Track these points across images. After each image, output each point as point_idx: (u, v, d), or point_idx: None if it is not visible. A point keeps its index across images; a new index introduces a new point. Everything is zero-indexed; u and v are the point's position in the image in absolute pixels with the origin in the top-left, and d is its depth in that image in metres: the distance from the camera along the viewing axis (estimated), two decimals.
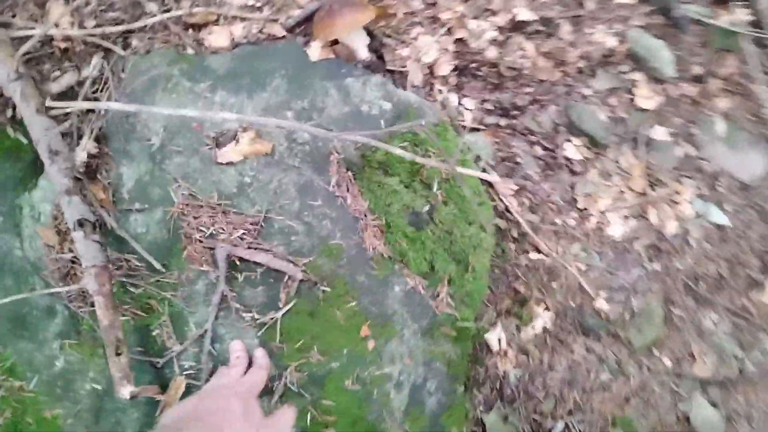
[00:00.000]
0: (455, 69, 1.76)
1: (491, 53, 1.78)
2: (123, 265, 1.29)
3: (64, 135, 1.32)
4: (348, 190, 1.38)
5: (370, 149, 1.40)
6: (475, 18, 1.81)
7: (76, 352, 1.23)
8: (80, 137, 1.35)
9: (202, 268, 1.30)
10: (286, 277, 1.29)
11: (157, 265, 1.27)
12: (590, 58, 1.88)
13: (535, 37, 1.85)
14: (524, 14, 1.83)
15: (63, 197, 1.18)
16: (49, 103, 1.24)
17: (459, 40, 1.76)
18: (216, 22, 1.55)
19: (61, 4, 1.44)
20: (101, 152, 1.35)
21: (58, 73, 1.39)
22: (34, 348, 1.23)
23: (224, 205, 1.33)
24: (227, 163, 1.35)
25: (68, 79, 1.39)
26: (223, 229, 1.32)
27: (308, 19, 1.62)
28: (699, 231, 1.75)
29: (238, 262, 1.30)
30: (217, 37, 1.52)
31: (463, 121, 1.72)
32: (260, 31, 1.55)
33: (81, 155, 1.28)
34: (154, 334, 1.27)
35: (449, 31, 1.76)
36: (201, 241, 1.30)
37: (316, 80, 1.47)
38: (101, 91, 1.40)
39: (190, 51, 1.48)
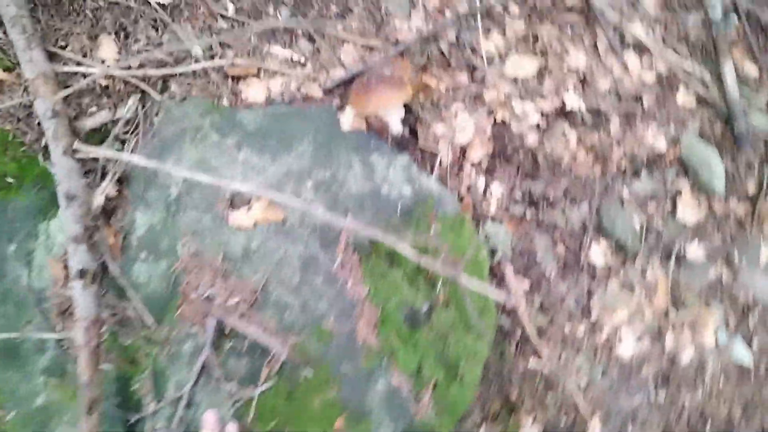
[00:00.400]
0: (490, 152, 1.71)
1: (531, 139, 1.72)
2: (118, 314, 1.32)
3: (88, 173, 1.37)
4: (351, 273, 1.37)
5: None
6: (521, 99, 1.76)
7: (57, 392, 1.27)
8: (104, 176, 1.39)
9: (191, 330, 1.31)
10: (272, 354, 1.29)
11: (149, 320, 1.29)
12: (635, 158, 1.80)
13: (581, 128, 1.78)
14: (574, 102, 1.76)
15: (70, 244, 1.22)
16: (76, 145, 1.28)
17: (500, 123, 1.71)
18: (256, 75, 1.56)
19: (112, 39, 1.48)
20: (121, 194, 1.39)
21: (95, 109, 1.43)
22: (19, 379, 1.27)
23: (227, 268, 1.34)
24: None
25: (103, 117, 1.42)
26: (221, 293, 1.33)
27: (349, 82, 1.61)
28: (717, 365, 1.65)
29: (227, 330, 1.31)
30: (255, 91, 1.53)
31: (487, 207, 1.68)
32: (298, 89, 1.55)
33: (99, 198, 1.32)
34: (133, 388, 1.29)
35: (491, 112, 1.71)
36: (197, 302, 1.32)
37: (343, 151, 1.46)
38: (132, 133, 1.43)
39: (225, 102, 1.49)
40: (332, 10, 1.68)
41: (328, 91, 1.58)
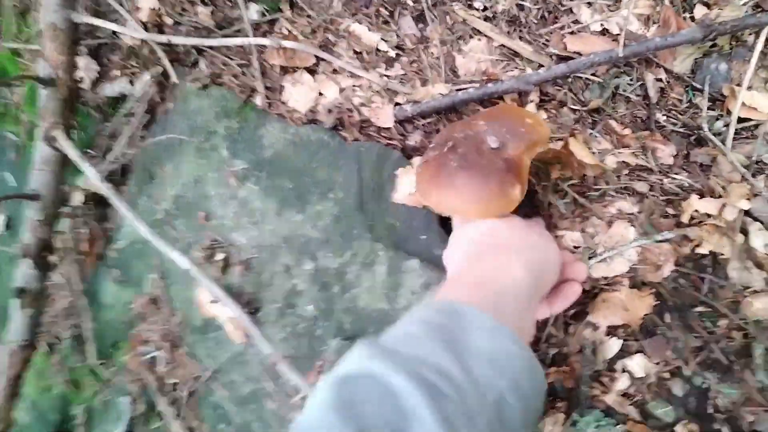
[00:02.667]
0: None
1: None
2: (79, 328, 1.16)
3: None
4: None
5: None
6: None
7: None
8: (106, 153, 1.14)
9: (130, 385, 1.10)
10: None
11: (90, 355, 1.11)
12: None
13: None
14: None
15: (19, 255, 1.04)
16: (54, 134, 1.03)
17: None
18: (312, 70, 1.05)
19: None
20: (119, 188, 1.15)
21: (117, 72, 1.15)
22: None
23: (180, 336, 1.05)
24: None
25: (120, 87, 1.13)
26: (164, 364, 1.06)
27: (437, 114, 0.98)
28: None
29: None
30: (300, 95, 1.03)
31: None
32: (361, 107, 1.00)
33: (76, 197, 1.10)
34: (72, 413, 1.18)
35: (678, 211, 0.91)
36: (139, 360, 1.08)
37: (373, 232, 0.93)
38: (140, 119, 1.12)
39: (258, 101, 1.05)
40: None
41: (401, 122, 1.00)
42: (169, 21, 1.12)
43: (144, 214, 1.10)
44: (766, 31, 0.87)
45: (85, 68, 1.18)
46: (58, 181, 1.09)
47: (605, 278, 0.90)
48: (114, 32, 1.15)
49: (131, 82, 1.14)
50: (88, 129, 1.21)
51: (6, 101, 1.31)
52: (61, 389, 1.18)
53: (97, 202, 1.18)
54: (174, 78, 1.08)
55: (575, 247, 0.91)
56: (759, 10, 0.88)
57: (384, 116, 1.00)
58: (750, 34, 0.92)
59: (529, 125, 0.79)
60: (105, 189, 0.99)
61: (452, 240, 0.81)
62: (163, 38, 1.08)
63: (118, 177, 1.16)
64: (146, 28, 1.13)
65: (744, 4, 0.89)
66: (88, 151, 1.19)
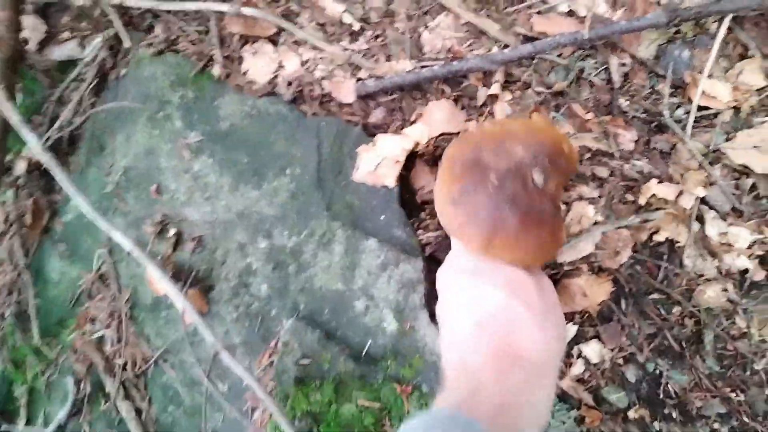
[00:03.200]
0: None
1: None
2: (22, 305, 1.11)
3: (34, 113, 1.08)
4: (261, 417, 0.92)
5: (317, 375, 0.87)
6: None
7: None
8: (52, 126, 1.08)
9: (76, 365, 1.06)
10: None
11: (34, 335, 1.06)
12: None
13: None
14: None
15: None
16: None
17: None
18: (272, 40, 1.01)
19: None
20: (67, 156, 1.09)
21: (67, 35, 1.08)
22: None
23: (129, 314, 1.01)
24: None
25: (69, 50, 1.07)
26: (112, 342, 1.02)
27: (400, 91, 0.96)
28: None
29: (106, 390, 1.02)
30: (260, 65, 1.00)
31: None
32: (321, 80, 0.97)
33: (20, 165, 1.04)
34: (15, 394, 1.13)
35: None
36: (87, 338, 1.04)
37: (331, 210, 0.91)
38: (93, 81, 1.07)
39: (215, 71, 1.00)
40: None
41: (363, 98, 0.97)
42: None
43: (93, 185, 1.06)
44: (728, 20, 0.88)
45: (32, 28, 1.11)
46: None
47: (571, 263, 0.90)
48: None
49: (81, 46, 1.08)
50: (35, 94, 1.14)
51: None
52: (2, 369, 1.13)
53: (43, 171, 1.12)
54: (127, 42, 1.03)
55: None
56: None
57: (346, 91, 0.97)
58: (714, 21, 0.92)
59: (567, 156, 0.72)
60: (47, 159, 0.94)
61: (452, 285, 0.69)
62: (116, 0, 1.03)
63: (65, 146, 1.10)
64: None
65: None
66: (34, 117, 1.13)
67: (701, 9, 0.85)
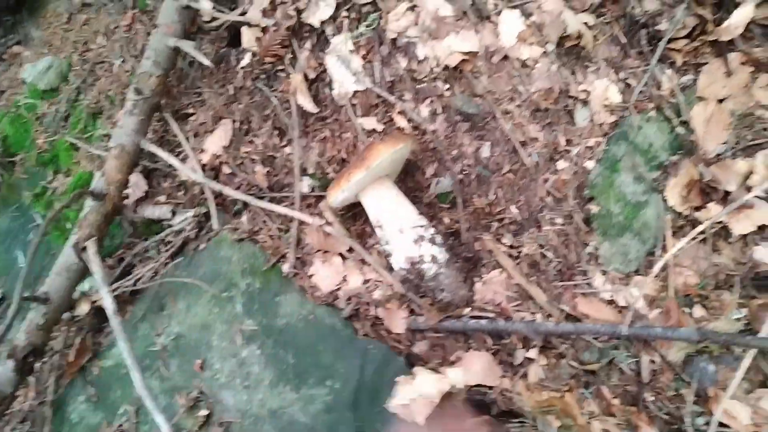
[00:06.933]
0: None
1: None
2: None
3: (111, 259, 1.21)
4: None
5: None
6: None
7: None
8: (127, 274, 1.21)
9: None
10: None
11: None
12: None
13: None
14: None
15: (3, 354, 1.07)
16: (86, 245, 1.11)
17: None
18: (341, 254, 1.15)
19: (230, 128, 1.26)
20: (129, 304, 1.20)
21: (163, 198, 1.25)
22: None
23: None
24: None
25: (162, 212, 1.23)
26: None
27: (447, 332, 1.07)
28: None
29: None
30: (326, 274, 1.13)
31: None
32: (378, 304, 1.09)
33: (83, 307, 1.15)
34: None
35: None
36: None
37: None
38: (177, 246, 1.21)
39: (285, 268, 1.14)
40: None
41: (413, 332, 1.09)
42: (226, 170, 1.25)
43: (141, 340, 1.15)
44: (752, 352, 1.00)
45: (134, 185, 1.29)
46: (71, 288, 1.15)
47: None
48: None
49: (173, 212, 1.24)
50: (115, 238, 1.29)
51: (46, 185, 1.41)
52: None
53: (97, 309, 1.22)
54: (216, 225, 1.18)
55: None
56: (749, 329, 1.01)
57: (397, 322, 1.09)
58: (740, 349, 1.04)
59: None
60: (109, 303, 1.04)
61: None
62: (217, 186, 1.20)
63: (127, 294, 1.22)
64: (204, 169, 1.26)
65: (737, 320, 1.02)
66: (106, 259, 1.26)
67: (729, 338, 0.98)
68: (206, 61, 1.23)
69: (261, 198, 1.22)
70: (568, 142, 1.18)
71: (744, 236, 1.08)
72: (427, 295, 1.10)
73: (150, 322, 1.17)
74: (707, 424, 1.01)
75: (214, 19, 1.35)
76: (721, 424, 1.00)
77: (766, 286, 1.06)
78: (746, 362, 1.00)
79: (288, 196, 1.23)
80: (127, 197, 1.26)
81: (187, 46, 1.25)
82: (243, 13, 1.34)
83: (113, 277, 1.22)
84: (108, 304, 1.05)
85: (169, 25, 1.29)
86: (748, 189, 1.08)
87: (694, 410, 1.02)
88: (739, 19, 1.12)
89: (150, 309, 1.18)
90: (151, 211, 1.25)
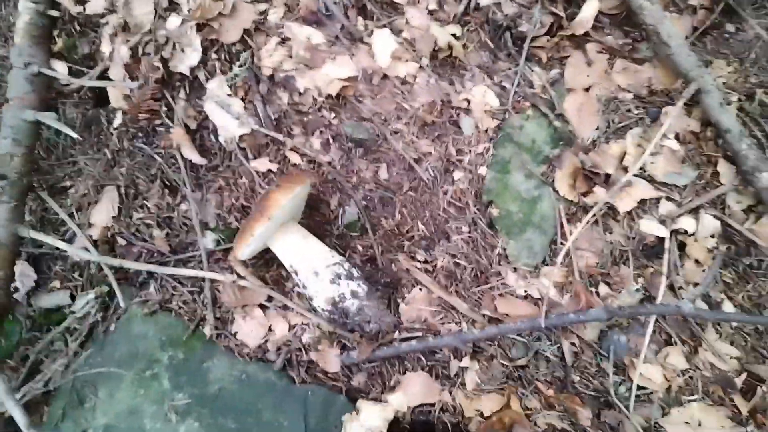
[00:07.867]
0: None
1: None
2: None
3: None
4: None
5: None
6: None
7: None
8: (31, 376, 1.12)
9: None
10: None
11: None
12: None
13: None
14: None
15: None
16: None
17: None
18: (263, 306, 1.14)
19: (116, 196, 1.20)
20: (45, 405, 1.12)
21: (57, 284, 1.17)
22: None
23: None
24: None
25: (60, 299, 1.16)
26: None
27: (381, 360, 1.10)
28: None
29: None
30: (251, 328, 1.12)
31: None
32: (306, 347, 1.10)
33: None
34: None
35: None
36: None
37: None
38: (84, 334, 1.14)
39: (207, 331, 1.11)
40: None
41: (349, 368, 1.10)
42: (121, 241, 1.18)
43: None
44: (653, 317, 1.10)
45: (22, 276, 1.19)
46: None
47: None
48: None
49: (72, 297, 1.16)
50: (12, 337, 1.19)
51: None
52: None
53: (9, 419, 1.12)
54: (122, 302, 1.12)
55: None
56: (648, 296, 1.13)
57: (331, 362, 1.10)
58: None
59: None
60: (23, 425, 0.96)
61: None
62: (115, 261, 1.13)
63: (40, 395, 1.13)
64: (96, 245, 1.18)
65: (637, 290, 1.13)
66: (7, 360, 1.17)
67: (633, 310, 1.08)
68: (72, 133, 1.15)
69: (165, 264, 1.17)
70: (459, 151, 1.23)
71: (629, 212, 1.19)
72: (355, 330, 1.12)
73: (72, 419, 1.10)
74: (629, 390, 1.11)
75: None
76: (640, 387, 1.11)
77: (654, 254, 1.18)
78: (650, 328, 1.11)
79: (194, 255, 1.19)
80: (17, 290, 1.16)
81: (49, 118, 1.16)
82: (105, 71, 1.27)
83: (19, 381, 1.13)
84: (18, 416, 0.98)
85: (22, 97, 1.19)
86: (625, 169, 1.19)
87: (616, 380, 1.12)
88: (588, 12, 1.21)
89: (69, 405, 1.11)
90: (47, 300, 1.16)
